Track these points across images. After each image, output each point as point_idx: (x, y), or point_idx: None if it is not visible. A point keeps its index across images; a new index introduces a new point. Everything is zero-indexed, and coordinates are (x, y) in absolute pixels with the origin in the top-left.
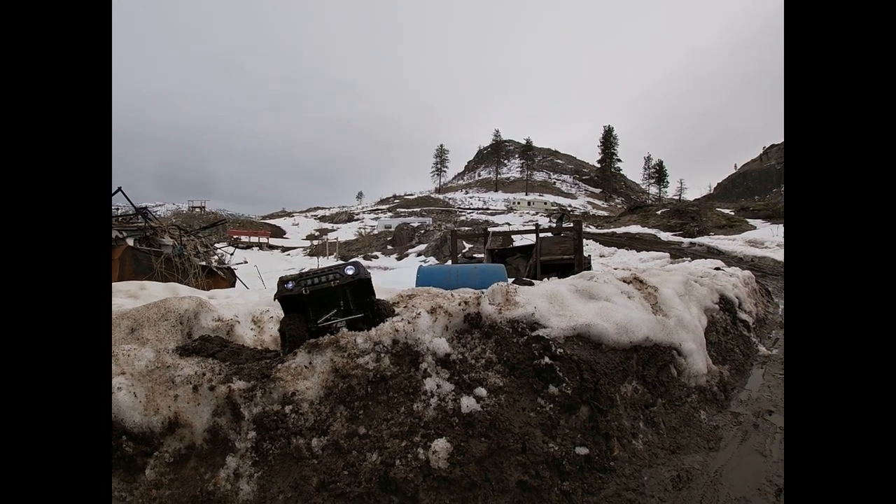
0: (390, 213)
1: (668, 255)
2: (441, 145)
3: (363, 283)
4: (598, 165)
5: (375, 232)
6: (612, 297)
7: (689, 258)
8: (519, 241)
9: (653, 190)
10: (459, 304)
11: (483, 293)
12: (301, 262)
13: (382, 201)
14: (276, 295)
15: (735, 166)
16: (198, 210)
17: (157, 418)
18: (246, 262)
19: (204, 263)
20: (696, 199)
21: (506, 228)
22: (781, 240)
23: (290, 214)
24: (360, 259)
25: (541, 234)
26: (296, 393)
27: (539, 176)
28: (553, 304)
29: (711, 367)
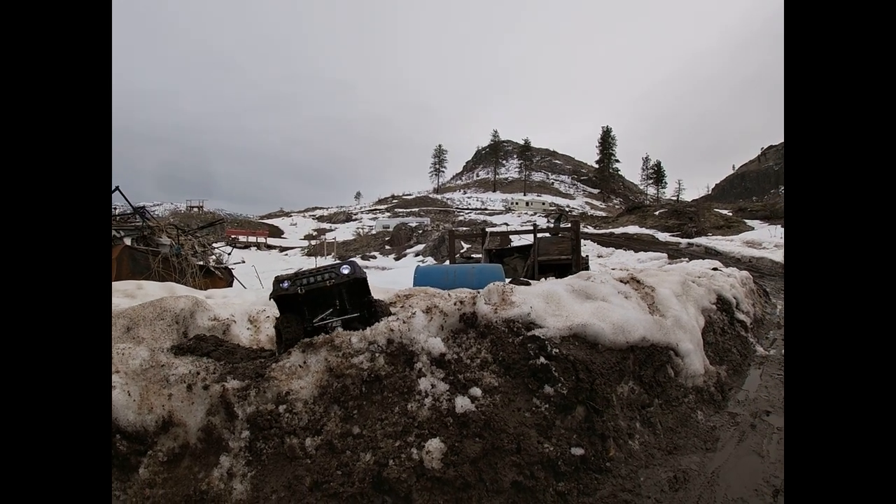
0: (388, 214)
1: (665, 255)
2: (439, 145)
3: (359, 283)
4: (597, 166)
5: (373, 232)
6: (609, 296)
7: (686, 259)
8: (517, 241)
9: (651, 190)
10: (455, 304)
11: (479, 293)
12: (299, 262)
13: (380, 201)
14: (271, 294)
15: (733, 167)
16: (196, 210)
17: (150, 417)
18: (244, 262)
19: (201, 263)
20: (694, 200)
21: (504, 229)
22: (779, 241)
23: (288, 214)
24: (358, 259)
25: (538, 235)
26: (290, 392)
27: (537, 176)
28: (549, 304)
29: (709, 368)
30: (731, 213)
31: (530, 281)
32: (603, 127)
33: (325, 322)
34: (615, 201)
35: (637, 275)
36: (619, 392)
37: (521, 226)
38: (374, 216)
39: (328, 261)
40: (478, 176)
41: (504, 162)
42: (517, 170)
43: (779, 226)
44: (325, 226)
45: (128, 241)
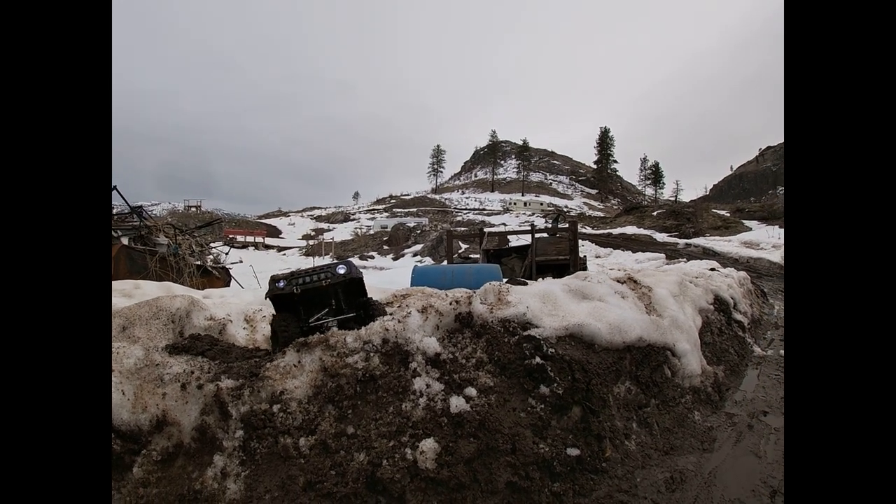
0: (386, 214)
1: (663, 256)
2: (438, 146)
3: (355, 283)
4: (595, 166)
5: (371, 232)
6: (606, 296)
7: (684, 259)
8: (515, 241)
9: (649, 191)
10: (450, 304)
11: (475, 292)
12: (297, 262)
13: (379, 201)
14: (267, 294)
15: (731, 168)
16: (194, 209)
17: (144, 416)
18: (241, 262)
19: (199, 263)
20: (691, 201)
21: (502, 229)
22: (777, 241)
23: (286, 214)
24: (356, 259)
25: (536, 235)
26: (284, 392)
27: (535, 177)
28: (546, 304)
29: (706, 368)
30: (728, 214)
31: (527, 281)
32: (601, 127)
33: (321, 322)
34: (613, 202)
35: (634, 275)
36: (615, 392)
37: (519, 226)
38: (372, 216)
39: (326, 261)
40: (476, 176)
41: (502, 162)
42: (515, 170)
43: (777, 226)
44: (324, 226)
45: (125, 241)
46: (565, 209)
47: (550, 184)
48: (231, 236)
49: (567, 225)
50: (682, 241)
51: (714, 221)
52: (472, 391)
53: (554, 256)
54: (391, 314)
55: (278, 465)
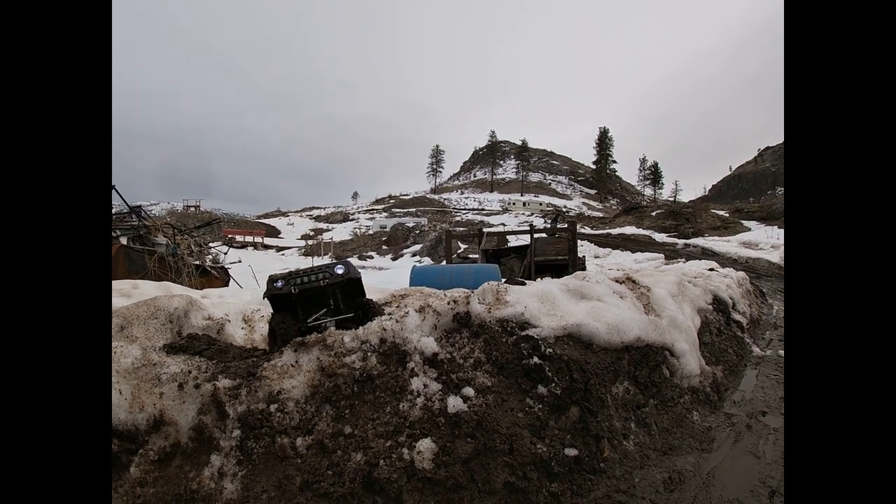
0: (386, 214)
1: (662, 256)
2: (437, 146)
3: (353, 283)
4: (594, 167)
5: (370, 232)
6: (604, 296)
7: (683, 259)
8: (514, 241)
9: (648, 191)
10: (448, 304)
11: (473, 292)
12: (296, 262)
13: (378, 201)
14: (265, 293)
15: (730, 168)
16: (192, 209)
17: (142, 416)
18: (240, 262)
19: (198, 262)
20: (690, 201)
21: (501, 229)
22: (776, 241)
23: (285, 214)
24: (354, 259)
25: (535, 235)
26: (281, 391)
27: (534, 177)
28: (544, 304)
29: (704, 368)
30: (727, 214)
31: (525, 281)
32: (600, 128)
33: (319, 322)
34: (612, 202)
35: (633, 275)
36: (613, 392)
37: (518, 226)
38: (371, 216)
39: (325, 261)
40: (475, 176)
41: (501, 162)
42: (514, 170)
43: (775, 227)
44: (323, 226)
45: (124, 241)
46: (564, 209)
47: (549, 184)
48: (230, 236)
49: (566, 225)
50: (680, 242)
51: (713, 222)
52: (469, 391)
53: (553, 256)
54: (389, 314)
55: (275, 464)
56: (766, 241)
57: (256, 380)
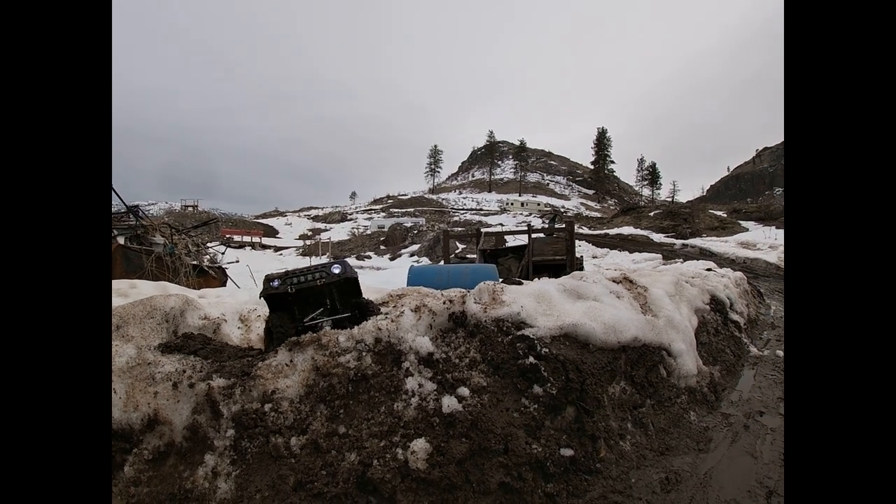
0: (383, 214)
1: (660, 256)
2: (435, 146)
3: (350, 283)
4: (592, 167)
5: (368, 232)
6: (601, 296)
7: (681, 259)
8: (511, 241)
9: (646, 192)
10: (444, 303)
11: (469, 292)
12: (294, 262)
13: (376, 201)
14: (261, 293)
15: (728, 169)
16: (190, 209)
17: (136, 415)
18: (238, 262)
19: (195, 262)
20: (688, 201)
21: (499, 229)
22: (774, 242)
23: (283, 214)
24: (352, 259)
25: (533, 235)
26: (276, 391)
27: (532, 177)
28: (540, 304)
29: (702, 368)
30: (725, 215)
31: (522, 281)
32: (598, 128)
33: (316, 321)
34: (610, 202)
35: (630, 275)
36: (610, 392)
37: (516, 226)
38: (369, 216)
39: (323, 261)
40: (473, 176)
41: (499, 162)
42: (513, 170)
43: (773, 227)
44: (321, 226)
45: (121, 240)
46: (562, 209)
47: (548, 184)
48: (228, 236)
49: (564, 225)
50: (678, 242)
51: (711, 222)
52: (464, 391)
53: (550, 256)
54: (386, 314)
55: (269, 464)
56: (763, 241)
57: (251, 379)
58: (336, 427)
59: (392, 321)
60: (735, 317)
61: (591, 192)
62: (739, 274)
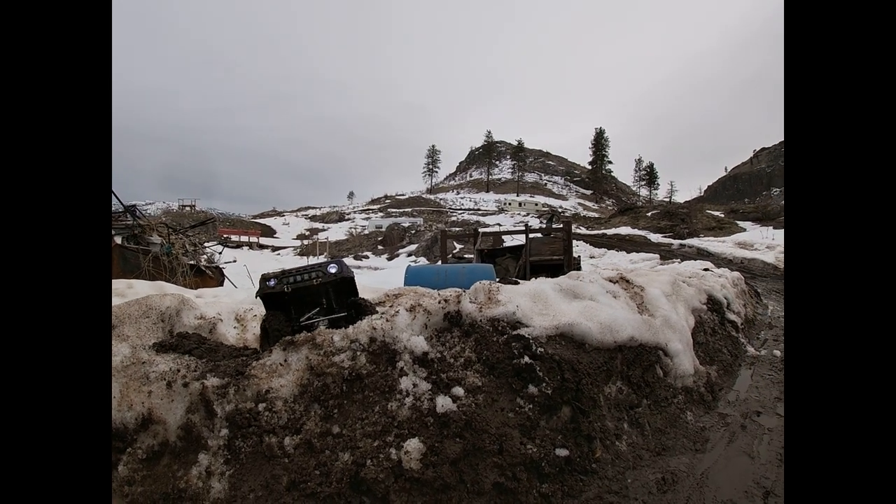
0: (381, 214)
1: (657, 256)
2: (433, 146)
3: (346, 282)
4: (590, 167)
5: (366, 232)
6: (597, 296)
7: (678, 260)
8: (509, 241)
9: (643, 192)
10: (439, 303)
11: (465, 291)
12: (291, 262)
13: (373, 201)
14: (257, 292)
15: (725, 169)
16: (188, 209)
17: (130, 414)
18: (235, 261)
19: (192, 262)
20: (686, 202)
21: (496, 229)
22: (771, 242)
23: (280, 214)
24: (350, 259)
25: (531, 235)
26: (270, 391)
27: (530, 177)
28: (536, 303)
29: (699, 368)
30: (723, 215)
31: (519, 280)
32: (596, 128)
33: (312, 321)
34: (608, 202)
35: (626, 274)
36: (606, 392)
37: (514, 226)
38: (366, 216)
39: (320, 261)
40: (471, 176)
41: (497, 163)
42: (510, 170)
43: (770, 227)
44: (318, 225)
45: (118, 240)
46: (560, 209)
47: (545, 184)
48: (225, 236)
49: (561, 225)
50: (676, 242)
51: (708, 222)
52: (459, 391)
53: (548, 256)
54: (382, 313)
55: (262, 464)
56: (761, 241)
57: (245, 378)
58: (330, 427)
59: (387, 320)
60: (732, 317)
61: (588, 192)
62: (737, 274)
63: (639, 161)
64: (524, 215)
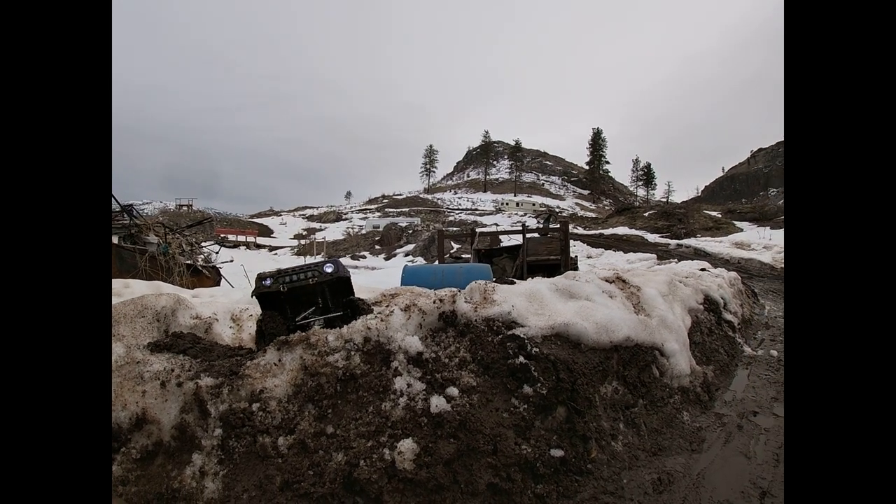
0: (379, 213)
1: (654, 256)
2: (430, 146)
3: (342, 282)
4: (587, 167)
5: (364, 232)
6: (593, 296)
7: (675, 260)
8: (506, 241)
9: (640, 192)
10: (434, 302)
11: (460, 291)
12: (289, 262)
13: (371, 201)
14: (253, 291)
15: (723, 169)
16: (185, 208)
17: (124, 414)
18: (232, 261)
19: (189, 262)
20: (683, 202)
21: (493, 229)
22: (768, 242)
23: (277, 213)
24: (347, 259)
25: (528, 235)
26: (264, 390)
27: (528, 177)
28: (532, 303)
29: (695, 368)
30: (720, 215)
31: (515, 280)
32: (593, 129)
33: (307, 321)
34: (605, 202)
35: (623, 274)
36: (601, 392)
37: (511, 226)
38: (364, 216)
39: (317, 260)
40: (468, 176)
41: (495, 163)
42: (508, 170)
43: (768, 227)
44: (316, 225)
45: (115, 240)
46: (557, 210)
47: (543, 184)
48: (222, 235)
49: (558, 225)
50: (673, 242)
51: (705, 222)
52: (453, 391)
53: (545, 256)
54: (378, 313)
55: (256, 464)
56: (758, 241)
57: (239, 378)
58: (324, 427)
59: (382, 320)
60: (729, 317)
61: (586, 192)
62: (734, 274)
63: (636, 161)
64: (521, 215)
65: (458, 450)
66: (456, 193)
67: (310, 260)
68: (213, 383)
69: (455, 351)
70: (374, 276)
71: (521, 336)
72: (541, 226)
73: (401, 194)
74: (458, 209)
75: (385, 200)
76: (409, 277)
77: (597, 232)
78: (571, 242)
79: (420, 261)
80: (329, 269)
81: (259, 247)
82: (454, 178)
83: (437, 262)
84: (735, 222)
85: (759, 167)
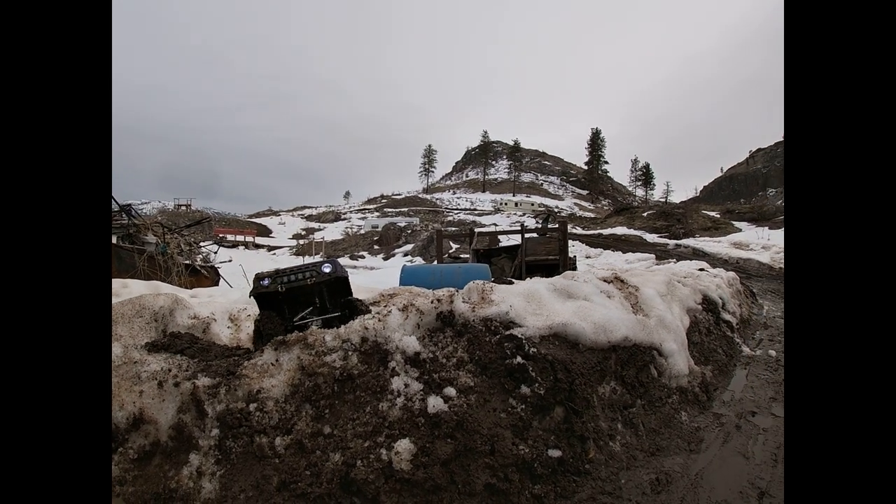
0: (377, 213)
1: (653, 256)
2: (429, 145)
3: (340, 282)
4: (586, 167)
5: (362, 231)
6: (591, 296)
7: (674, 260)
8: (505, 241)
9: (639, 192)
10: (432, 302)
11: (458, 291)
12: (287, 262)
13: (370, 201)
14: (251, 292)
15: (721, 169)
16: (183, 208)
17: (121, 414)
18: (230, 261)
19: (187, 262)
20: (682, 202)
21: (492, 229)
22: (767, 242)
23: (276, 213)
24: (346, 259)
25: (526, 235)
26: (261, 391)
27: (526, 177)
28: (530, 303)
29: (693, 368)
30: (718, 215)
31: (514, 280)
32: (592, 129)
33: (305, 321)
34: (604, 202)
35: (621, 274)
36: (599, 392)
37: (510, 226)
38: (363, 216)
39: (316, 260)
40: (467, 176)
41: (493, 163)
42: (507, 170)
43: (766, 227)
44: (314, 225)
45: (114, 239)
46: (556, 210)
47: (541, 184)
48: (221, 235)
49: (557, 225)
50: (672, 242)
51: (704, 222)
52: (451, 391)
53: (544, 256)
54: (377, 313)
55: (253, 464)
56: (756, 241)
57: (236, 378)
58: (321, 427)
59: (379, 320)
60: (727, 317)
61: (584, 192)
62: (732, 274)
63: (635, 161)
64: (520, 215)
65: (455, 450)
66: (455, 193)
67: (308, 260)
68: (210, 383)
69: (453, 351)
70: (372, 276)
71: (519, 336)
72: (539, 226)
73: (399, 194)
74: (456, 209)
75: (384, 200)
76: (407, 277)
77: (595, 232)
78: (570, 242)
79: (419, 261)
80: (327, 269)
81: (258, 247)
82: (453, 178)
83: (435, 262)
84: (733, 222)
85: (758, 167)
